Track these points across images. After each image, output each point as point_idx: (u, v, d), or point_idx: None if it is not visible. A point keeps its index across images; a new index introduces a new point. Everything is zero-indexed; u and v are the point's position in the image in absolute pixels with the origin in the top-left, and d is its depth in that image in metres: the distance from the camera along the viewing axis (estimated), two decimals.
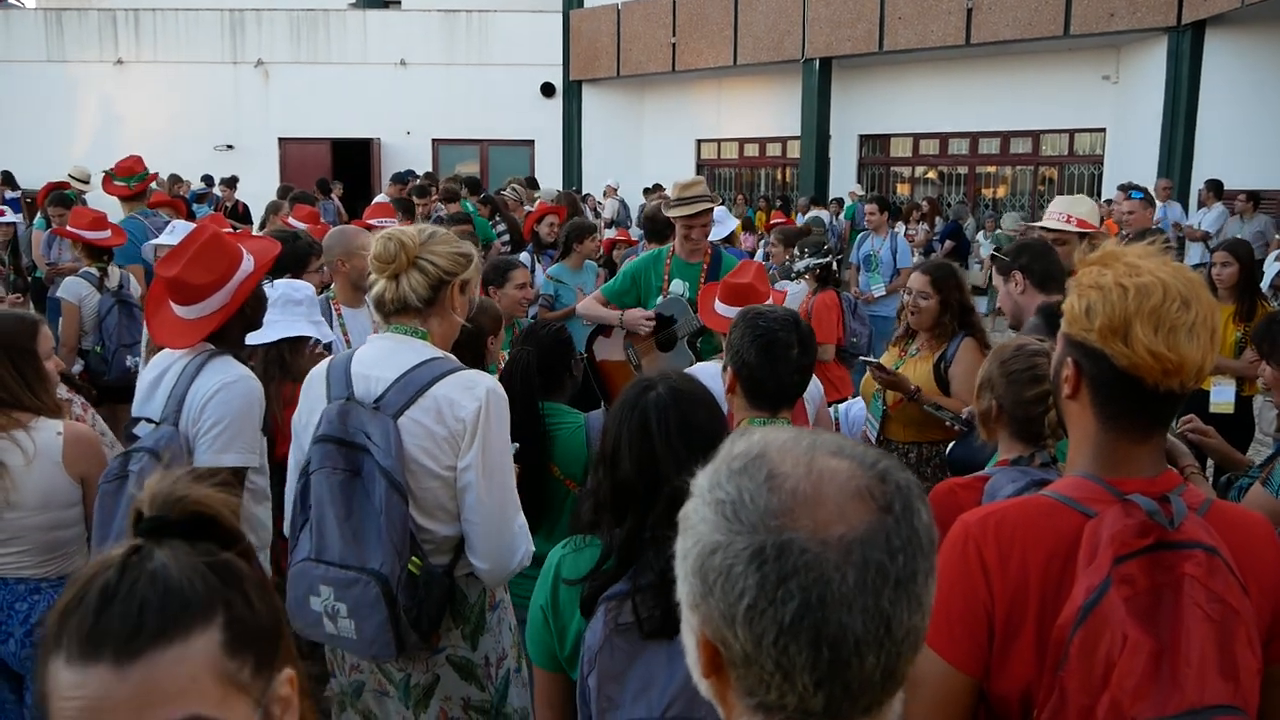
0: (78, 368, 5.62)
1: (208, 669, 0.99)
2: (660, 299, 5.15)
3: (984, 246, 13.88)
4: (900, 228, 14.71)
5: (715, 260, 5.21)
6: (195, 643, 0.99)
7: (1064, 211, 4.74)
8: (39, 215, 9.49)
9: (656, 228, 6.42)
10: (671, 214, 5.16)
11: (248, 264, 3.06)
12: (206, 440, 2.86)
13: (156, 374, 3.03)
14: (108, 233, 6.11)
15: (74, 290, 5.79)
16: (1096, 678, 1.52)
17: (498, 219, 10.46)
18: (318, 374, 2.74)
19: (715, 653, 0.97)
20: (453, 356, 2.67)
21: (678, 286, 5.16)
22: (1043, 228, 4.99)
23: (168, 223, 7.08)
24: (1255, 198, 12.60)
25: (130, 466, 2.79)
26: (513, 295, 4.94)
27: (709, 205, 5.11)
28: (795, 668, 0.90)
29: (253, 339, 3.30)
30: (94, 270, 5.91)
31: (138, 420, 3.01)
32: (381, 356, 2.62)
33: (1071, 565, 1.61)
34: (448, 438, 2.53)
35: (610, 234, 10.07)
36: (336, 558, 2.51)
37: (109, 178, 7.84)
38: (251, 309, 3.11)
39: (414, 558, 2.49)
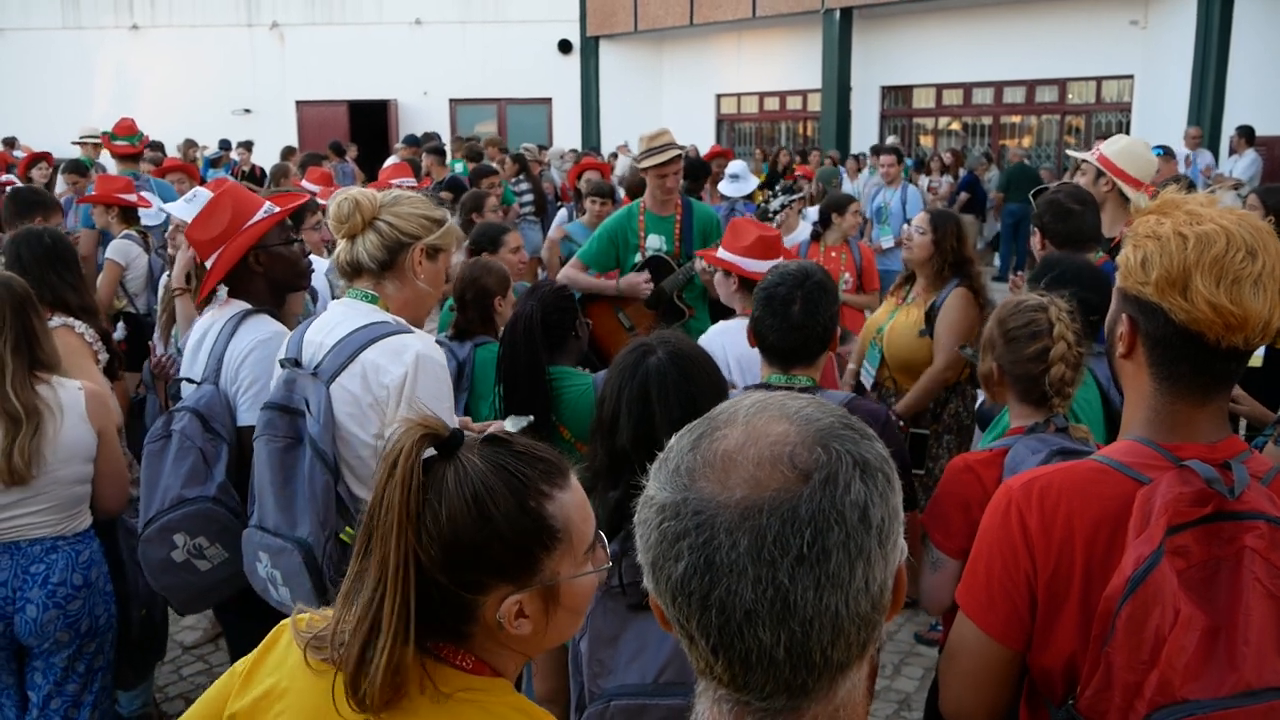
0: (119, 333, 5.58)
1: None
2: (638, 257, 5.08)
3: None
4: (923, 180, 14.53)
5: (687, 211, 5.16)
6: None
7: (1100, 149, 4.66)
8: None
9: (634, 191, 6.38)
10: (643, 165, 5.10)
11: (255, 219, 3.02)
12: (247, 399, 2.85)
13: (199, 335, 3.05)
14: (135, 196, 6.15)
15: (124, 251, 5.73)
16: (1145, 654, 1.44)
17: (521, 177, 10.36)
18: (284, 341, 2.72)
19: (663, 616, 0.95)
20: (402, 321, 2.58)
21: (654, 241, 5.10)
22: (1076, 156, 5.00)
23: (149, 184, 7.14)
24: (1249, 134, 12.37)
25: (173, 426, 2.80)
26: (508, 260, 4.85)
27: (678, 152, 5.06)
28: (694, 630, 0.88)
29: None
30: (134, 232, 5.89)
31: (181, 381, 3.04)
32: (330, 322, 2.57)
33: (1121, 534, 1.52)
34: (373, 404, 2.46)
35: (622, 193, 9.96)
36: (271, 525, 2.49)
37: (108, 137, 7.95)
38: (265, 264, 3.05)
39: (348, 527, 2.44)
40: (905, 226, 4.86)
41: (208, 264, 3.03)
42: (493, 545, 1.29)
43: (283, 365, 2.60)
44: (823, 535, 0.84)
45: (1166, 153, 8.41)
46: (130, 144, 7.73)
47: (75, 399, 3.00)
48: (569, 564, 1.35)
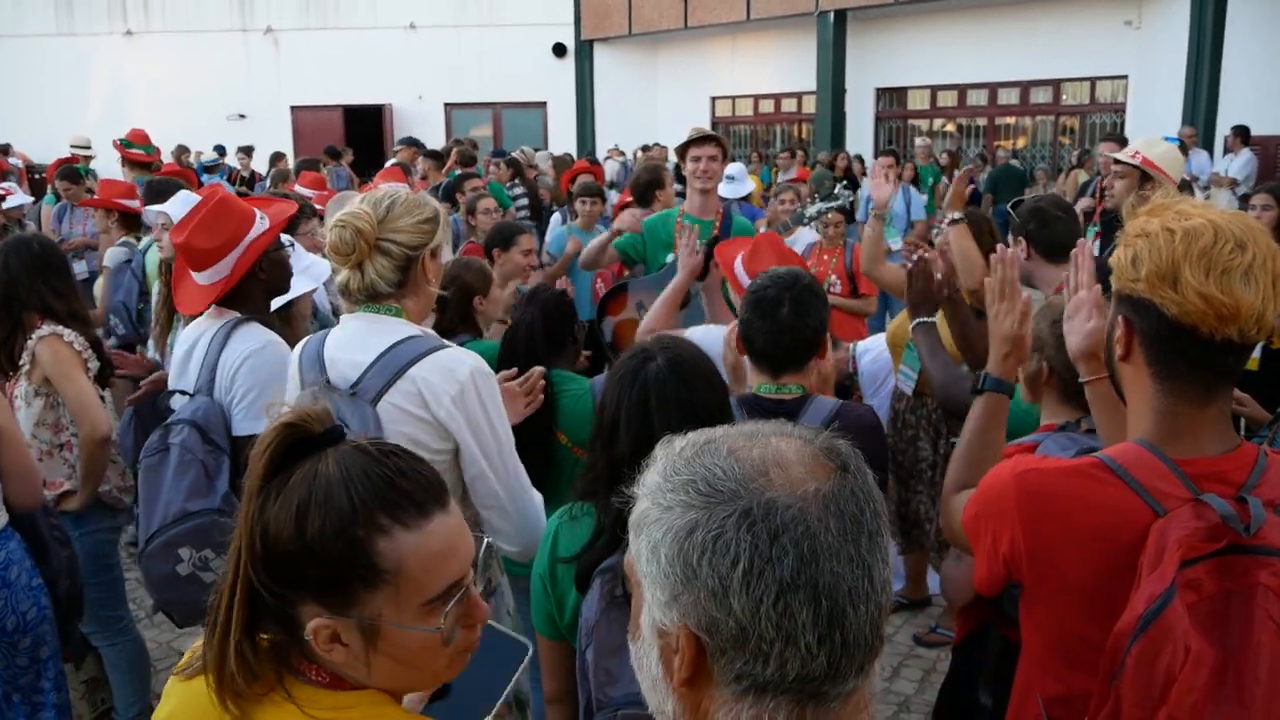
0: (109, 342, 5.54)
1: None
2: (671, 256, 5.08)
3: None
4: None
5: (726, 219, 5.17)
6: None
7: (1137, 149, 4.63)
8: (49, 191, 9.53)
9: (640, 191, 6.41)
10: (681, 148, 5.11)
11: (260, 225, 3.01)
12: (241, 409, 2.82)
13: (188, 346, 3.01)
14: (137, 202, 6.11)
15: (118, 259, 5.71)
16: (1155, 692, 1.43)
17: (516, 182, 10.33)
18: (293, 357, 2.60)
19: (698, 649, 0.93)
20: (431, 333, 2.52)
21: None
22: (1115, 159, 4.93)
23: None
24: (1244, 134, 12.41)
25: (171, 440, 2.76)
26: (518, 261, 4.84)
27: (710, 133, 5.06)
28: (798, 627, 0.89)
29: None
30: (131, 239, 5.84)
31: (172, 393, 3.00)
32: (354, 338, 2.44)
33: (1116, 531, 1.53)
34: (430, 422, 2.37)
35: (614, 196, 9.95)
36: None
37: (122, 145, 7.99)
38: (268, 271, 3.05)
39: None
40: (936, 234, 4.78)
41: (205, 274, 2.97)
42: (303, 560, 1.22)
43: (321, 388, 2.45)
44: (877, 515, 0.94)
45: (1180, 145, 8.40)
46: (146, 153, 7.79)
47: None
48: (394, 609, 1.23)
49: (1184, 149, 9.13)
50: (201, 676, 1.29)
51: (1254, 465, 1.56)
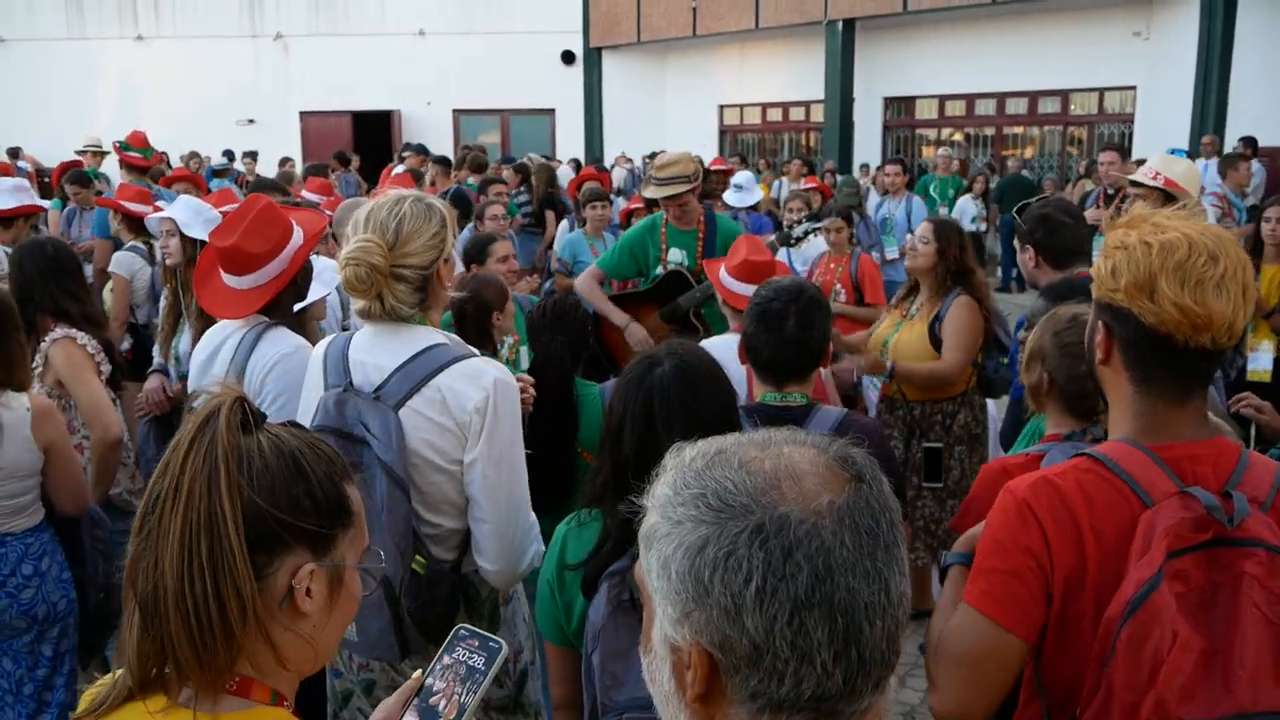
0: (125, 344, 5.54)
1: None
2: (660, 270, 5.05)
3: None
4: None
5: (710, 224, 5.12)
6: None
7: (1156, 169, 4.62)
8: (55, 196, 9.53)
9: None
10: (647, 194, 5.06)
11: (298, 234, 3.07)
12: (270, 413, 2.81)
13: (212, 348, 3.05)
14: (149, 208, 6.11)
15: (126, 264, 5.68)
16: (1144, 675, 1.47)
17: (522, 189, 10.36)
18: (315, 357, 2.60)
19: (711, 666, 0.91)
20: (455, 339, 2.52)
21: (676, 255, 5.08)
22: (1132, 181, 4.93)
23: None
24: (1252, 145, 12.43)
25: None
26: (496, 270, 4.86)
27: (686, 188, 4.97)
28: (814, 645, 0.88)
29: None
30: (141, 244, 5.85)
31: (197, 395, 3.00)
32: (379, 342, 2.45)
33: (1113, 524, 1.58)
34: (453, 430, 2.38)
35: (621, 203, 9.97)
36: None
37: (120, 146, 8.00)
38: (302, 279, 3.12)
39: (418, 555, 2.37)
40: (909, 236, 4.85)
41: (244, 278, 3.00)
42: (303, 508, 1.28)
43: (345, 390, 2.44)
44: (893, 525, 0.93)
45: (1185, 156, 8.43)
46: (143, 156, 7.78)
47: (20, 420, 3.00)
48: (355, 553, 1.37)
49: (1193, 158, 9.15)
50: (123, 707, 1.27)
51: (1236, 462, 1.63)
